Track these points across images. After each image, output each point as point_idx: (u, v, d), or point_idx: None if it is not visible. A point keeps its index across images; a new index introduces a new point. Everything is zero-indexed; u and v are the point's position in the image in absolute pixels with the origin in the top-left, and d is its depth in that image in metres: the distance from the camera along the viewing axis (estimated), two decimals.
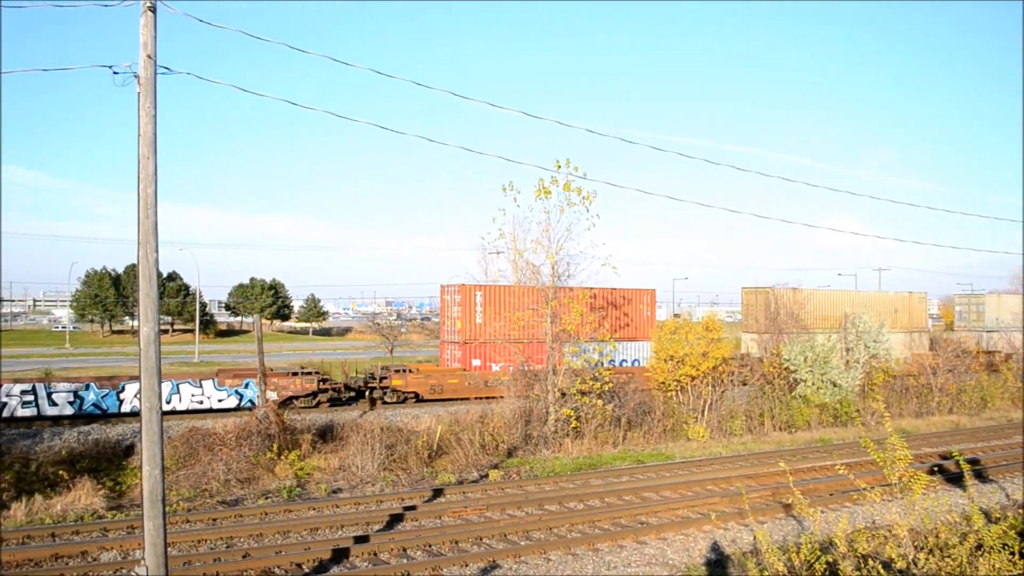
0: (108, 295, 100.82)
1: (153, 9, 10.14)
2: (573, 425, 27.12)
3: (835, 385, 33.70)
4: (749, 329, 50.75)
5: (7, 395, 27.39)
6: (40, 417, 27.62)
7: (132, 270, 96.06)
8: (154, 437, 10.13)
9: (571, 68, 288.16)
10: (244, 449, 22.77)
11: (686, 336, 31.38)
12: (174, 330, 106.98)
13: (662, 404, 30.66)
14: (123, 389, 28.99)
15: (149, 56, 10.13)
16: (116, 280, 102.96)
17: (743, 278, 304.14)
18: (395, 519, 17.73)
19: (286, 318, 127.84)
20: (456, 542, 15.97)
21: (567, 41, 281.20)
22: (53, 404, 27.76)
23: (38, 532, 16.59)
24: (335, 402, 32.82)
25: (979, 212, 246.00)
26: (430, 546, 15.71)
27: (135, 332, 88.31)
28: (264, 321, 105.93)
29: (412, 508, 18.57)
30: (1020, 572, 8.62)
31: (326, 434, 26.16)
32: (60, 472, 21.23)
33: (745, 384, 34.39)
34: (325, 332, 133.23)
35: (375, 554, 15.23)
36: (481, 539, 16.27)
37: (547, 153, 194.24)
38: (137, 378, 30.60)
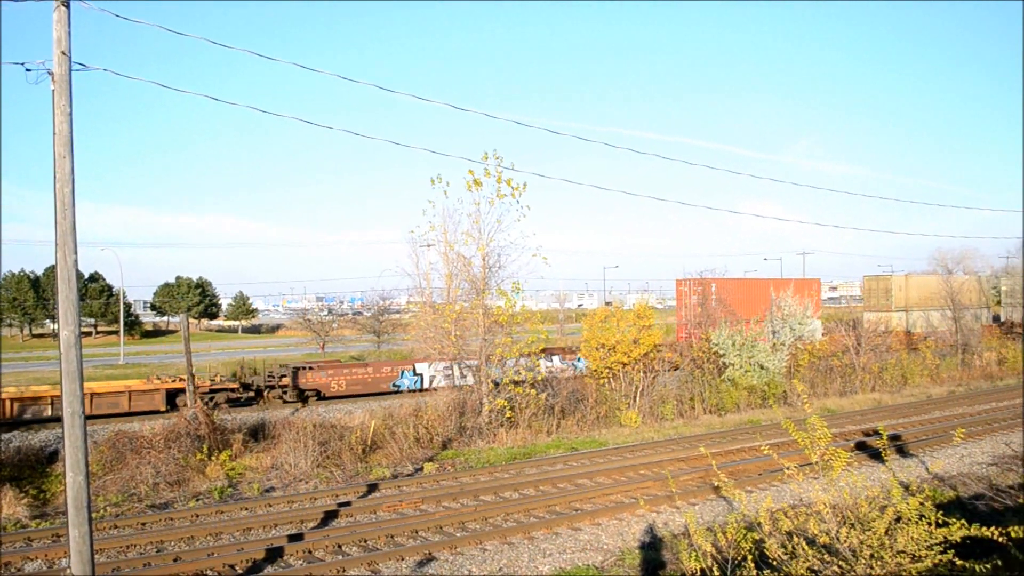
0: (27, 298, 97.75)
1: (67, 4, 9.88)
2: (507, 415, 27.25)
3: (762, 367, 34.46)
4: (870, 308, 64.08)
5: (434, 371, 34.77)
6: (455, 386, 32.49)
7: (51, 272, 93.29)
8: (77, 443, 9.92)
9: (497, 61, 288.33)
10: (173, 451, 22.36)
11: (617, 324, 31.77)
12: (98, 332, 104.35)
13: (594, 392, 31.00)
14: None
15: (63, 52, 9.86)
16: (35, 283, 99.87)
17: (672, 266, 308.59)
18: (330, 516, 17.62)
19: (214, 317, 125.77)
20: (392, 536, 15.96)
21: (492, 34, 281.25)
22: (463, 377, 31.67)
23: None
24: None
25: (897, 196, 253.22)
26: (365, 541, 15.67)
27: (56, 335, 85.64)
28: (191, 320, 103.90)
29: (347, 504, 18.48)
30: (937, 541, 8.97)
31: (258, 433, 25.85)
32: None
33: (676, 369, 34.99)
34: (255, 330, 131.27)
35: (310, 552, 15.13)
36: (417, 532, 16.28)
37: (475, 146, 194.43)
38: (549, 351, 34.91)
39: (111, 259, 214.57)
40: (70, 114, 9.96)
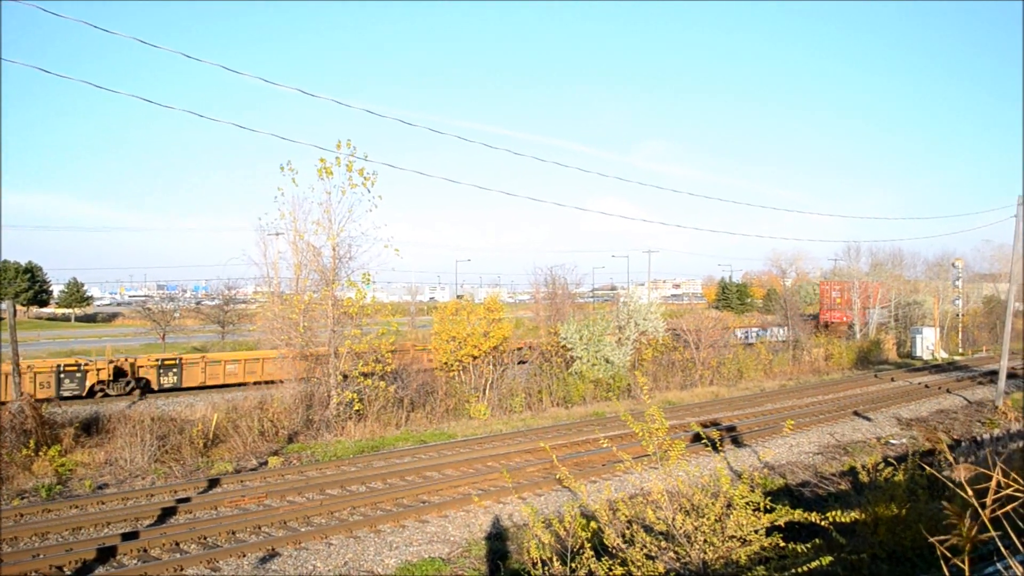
0: None
1: None
2: (356, 408, 26.97)
3: (608, 361, 35.38)
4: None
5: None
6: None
7: None
8: None
9: (351, 50, 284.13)
10: None
11: (467, 317, 31.95)
12: None
13: (444, 384, 31.10)
14: None
15: None
16: None
17: (522, 260, 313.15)
18: (168, 512, 16.99)
19: (45, 304, 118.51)
20: (233, 532, 15.53)
21: (347, 21, 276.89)
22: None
23: None
24: None
25: (735, 199, 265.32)
26: (205, 538, 15.20)
27: None
28: (19, 308, 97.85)
29: (186, 500, 17.86)
30: (763, 526, 9.51)
31: (91, 427, 24.65)
32: None
33: (524, 362, 35.51)
34: (90, 319, 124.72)
35: (145, 550, 14.54)
36: (260, 528, 15.91)
37: (326, 134, 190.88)
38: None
39: None
40: None
